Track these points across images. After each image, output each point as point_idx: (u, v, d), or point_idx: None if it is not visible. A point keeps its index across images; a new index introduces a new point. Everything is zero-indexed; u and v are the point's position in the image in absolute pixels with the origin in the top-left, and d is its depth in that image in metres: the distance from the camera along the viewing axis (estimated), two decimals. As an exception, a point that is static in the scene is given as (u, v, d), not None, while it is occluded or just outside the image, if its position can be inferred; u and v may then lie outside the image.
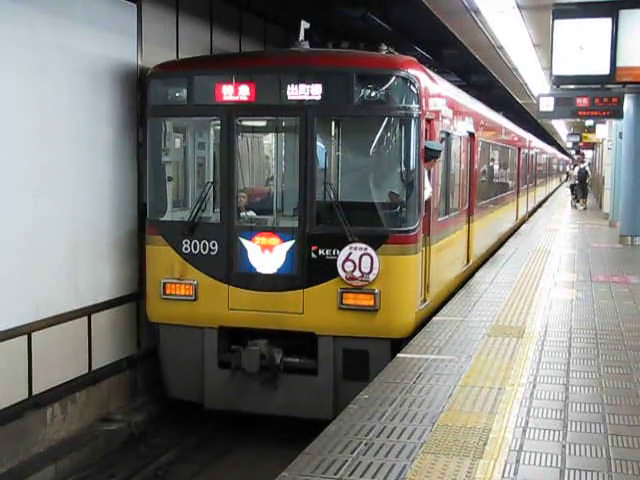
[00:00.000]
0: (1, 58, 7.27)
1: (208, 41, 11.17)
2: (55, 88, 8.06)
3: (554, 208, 31.72)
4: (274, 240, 8.45)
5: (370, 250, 8.07)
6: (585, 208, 30.11)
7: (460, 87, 14.11)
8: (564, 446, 4.98)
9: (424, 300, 8.85)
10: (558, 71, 10.67)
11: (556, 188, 51.73)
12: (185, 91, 8.69)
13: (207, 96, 8.66)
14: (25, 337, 7.65)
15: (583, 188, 31.46)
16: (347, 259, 8.12)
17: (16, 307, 7.54)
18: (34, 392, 7.80)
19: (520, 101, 26.65)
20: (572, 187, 33.27)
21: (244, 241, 8.52)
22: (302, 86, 8.28)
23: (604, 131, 28.21)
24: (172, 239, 8.73)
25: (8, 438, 7.48)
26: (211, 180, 9.08)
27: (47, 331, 7.93)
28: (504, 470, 4.55)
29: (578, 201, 31.17)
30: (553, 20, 10.44)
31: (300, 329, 8.39)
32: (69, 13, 8.18)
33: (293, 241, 8.39)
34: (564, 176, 61.52)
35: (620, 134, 20.49)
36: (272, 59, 9.14)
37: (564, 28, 10.40)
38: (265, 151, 11.02)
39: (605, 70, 10.20)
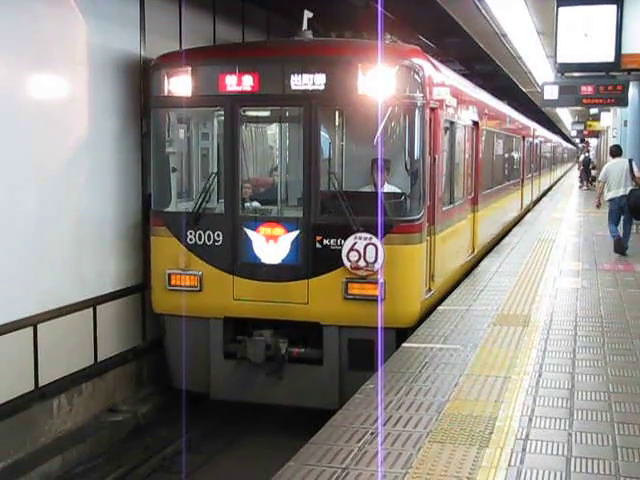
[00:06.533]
0: (3, 49, 7.25)
1: (211, 31, 11.14)
2: (57, 80, 8.04)
3: (559, 197, 31.66)
4: (279, 230, 8.44)
5: (375, 240, 8.05)
6: (588, 189, 34.92)
7: (464, 76, 14.07)
8: (570, 434, 4.99)
9: (429, 289, 8.83)
10: (563, 59, 10.62)
11: (561, 176, 51.54)
12: (188, 82, 8.67)
13: (210, 86, 8.62)
14: (31, 329, 7.66)
15: (587, 172, 37.52)
16: (352, 249, 8.10)
17: (22, 299, 7.54)
18: (40, 384, 7.82)
19: (524, 89, 26.56)
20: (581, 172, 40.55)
21: (249, 231, 8.51)
22: (306, 76, 8.25)
23: (609, 119, 28.14)
24: (177, 230, 8.71)
25: (15, 429, 7.50)
26: (215, 171, 9.07)
27: (53, 323, 7.94)
28: (510, 459, 4.56)
29: (583, 183, 37.33)
30: (557, 7, 10.40)
31: (305, 319, 8.39)
32: (72, 4, 8.15)
33: (298, 231, 8.38)
34: (569, 164, 61.88)
35: (625, 122, 20.47)
36: (275, 49, 9.10)
37: (569, 15, 10.34)
38: (269, 141, 11.00)
39: (610, 57, 10.15)
